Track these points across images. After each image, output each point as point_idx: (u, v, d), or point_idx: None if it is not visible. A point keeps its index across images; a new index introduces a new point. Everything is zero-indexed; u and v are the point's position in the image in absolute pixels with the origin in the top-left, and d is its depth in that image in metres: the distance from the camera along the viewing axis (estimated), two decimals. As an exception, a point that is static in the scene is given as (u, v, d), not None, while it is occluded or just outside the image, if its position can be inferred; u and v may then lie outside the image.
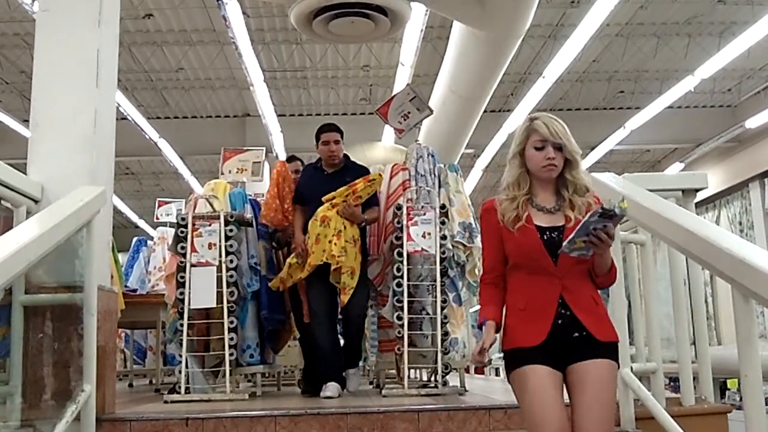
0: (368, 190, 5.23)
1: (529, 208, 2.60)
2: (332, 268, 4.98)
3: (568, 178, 2.62)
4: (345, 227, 5.07)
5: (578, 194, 2.61)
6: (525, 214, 2.57)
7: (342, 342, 5.45)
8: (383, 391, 5.05)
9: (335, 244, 4.98)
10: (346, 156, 5.51)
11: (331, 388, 4.94)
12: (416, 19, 8.51)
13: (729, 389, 9.67)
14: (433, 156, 5.72)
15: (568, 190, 2.62)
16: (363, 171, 5.40)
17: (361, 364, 6.09)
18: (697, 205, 3.88)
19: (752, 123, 13.28)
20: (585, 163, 15.92)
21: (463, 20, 7.94)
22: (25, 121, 10.97)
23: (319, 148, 5.40)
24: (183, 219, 5.18)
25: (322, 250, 5.00)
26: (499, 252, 2.63)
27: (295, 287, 5.41)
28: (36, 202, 3.66)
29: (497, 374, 9.56)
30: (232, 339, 4.97)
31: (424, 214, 5.15)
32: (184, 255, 5.06)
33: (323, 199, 5.12)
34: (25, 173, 3.78)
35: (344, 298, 5.02)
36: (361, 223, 5.26)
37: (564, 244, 2.44)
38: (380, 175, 5.44)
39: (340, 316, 5.43)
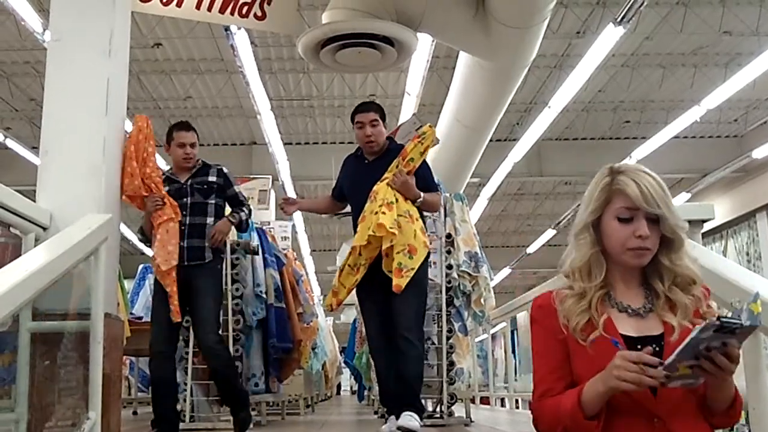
0: (419, 149, 4.31)
1: (608, 309, 1.79)
2: (384, 247, 3.99)
3: (665, 264, 1.81)
4: (397, 199, 4.14)
5: (679, 287, 1.81)
6: (602, 319, 1.76)
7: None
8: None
9: (384, 213, 4.03)
10: (389, 139, 4.55)
11: (404, 419, 3.91)
12: (422, 49, 8.56)
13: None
14: (438, 185, 5.73)
15: (664, 281, 1.82)
16: None
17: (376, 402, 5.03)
18: (704, 235, 3.90)
19: (759, 153, 13.28)
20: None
21: (469, 50, 8.00)
22: (34, 148, 11.06)
23: (355, 132, 4.48)
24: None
25: (367, 227, 4.05)
26: (560, 370, 1.79)
27: None
28: (44, 229, 3.68)
29: (503, 404, 9.49)
30: (237, 367, 4.95)
31: (430, 243, 5.14)
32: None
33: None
34: (33, 200, 3.81)
35: (399, 282, 3.93)
36: (417, 199, 4.24)
37: (663, 365, 1.60)
38: (431, 127, 4.45)
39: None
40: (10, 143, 12.76)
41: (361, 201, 4.22)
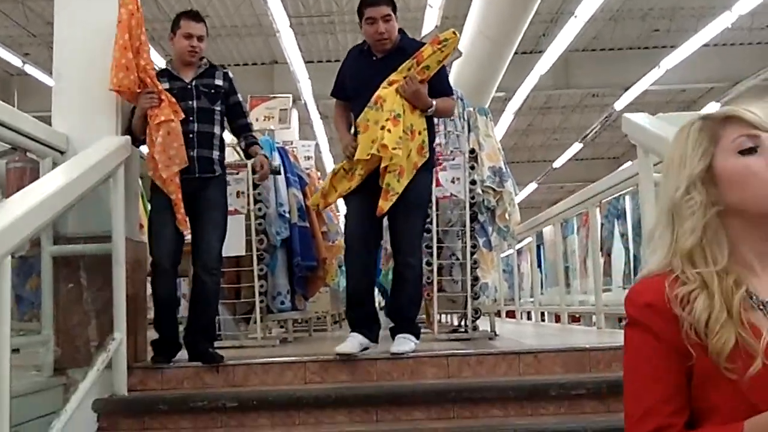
0: (438, 57, 3.86)
1: (750, 311, 1.23)
2: (382, 165, 3.75)
3: None
4: (404, 111, 3.79)
5: None
6: (765, 342, 1.18)
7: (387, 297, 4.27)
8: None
9: (389, 131, 3.72)
10: (401, 33, 4.02)
11: (350, 341, 3.73)
12: (443, -41, 8.31)
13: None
14: (461, 100, 5.61)
15: None
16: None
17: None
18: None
19: (792, 59, 12.90)
20: (618, 105, 15.62)
21: (492, -41, 7.74)
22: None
23: (364, 29, 3.97)
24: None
25: (371, 140, 3.75)
26: (679, 397, 1.24)
27: None
28: (62, 153, 3.66)
29: (529, 318, 9.56)
30: (262, 286, 5.00)
31: (453, 159, 5.07)
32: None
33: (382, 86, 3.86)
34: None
35: (383, 205, 3.73)
36: (428, 109, 3.89)
37: None
38: (455, 33, 3.94)
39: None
40: (30, 69, 12.71)
41: (365, 100, 3.84)
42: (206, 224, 3.87)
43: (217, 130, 4.00)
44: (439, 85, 3.97)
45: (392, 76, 3.82)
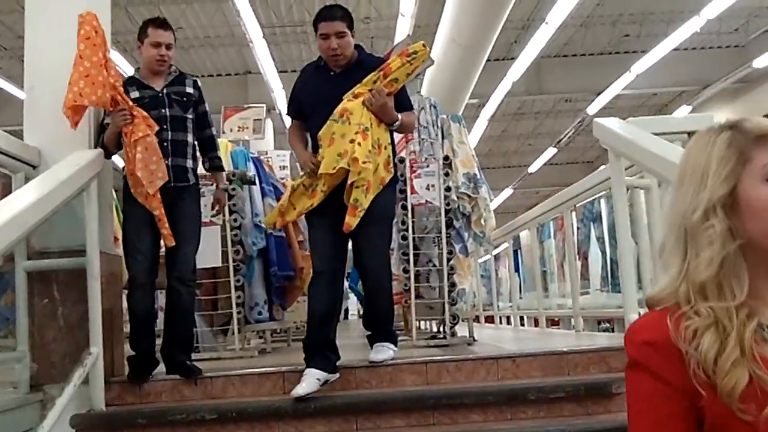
0: (407, 69, 3.78)
1: (762, 345, 1.11)
2: (349, 181, 3.60)
3: None
4: (372, 125, 3.67)
5: None
6: (761, 357, 1.08)
7: (363, 307, 4.17)
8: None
9: (359, 144, 3.58)
10: (358, 48, 3.92)
11: (307, 380, 3.44)
12: (415, -32, 8.36)
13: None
14: (435, 107, 5.65)
15: None
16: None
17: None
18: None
19: (760, 63, 13.10)
20: (591, 110, 15.73)
21: (463, -33, 7.80)
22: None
23: (318, 44, 3.86)
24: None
25: (338, 153, 3.58)
26: None
27: None
28: (34, 167, 3.63)
29: (508, 322, 9.60)
30: (239, 297, 4.98)
31: (428, 166, 5.10)
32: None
33: (344, 97, 3.72)
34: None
35: (350, 221, 3.58)
36: (394, 123, 3.79)
37: None
38: (424, 46, 3.88)
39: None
40: (1, 83, 12.60)
41: (324, 117, 3.68)
42: (182, 235, 3.81)
43: (190, 138, 3.96)
44: (402, 99, 3.89)
45: (357, 89, 3.71)
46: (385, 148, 3.74)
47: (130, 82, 3.88)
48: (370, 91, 3.68)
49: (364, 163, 3.55)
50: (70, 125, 3.61)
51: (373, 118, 3.68)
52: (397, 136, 5.20)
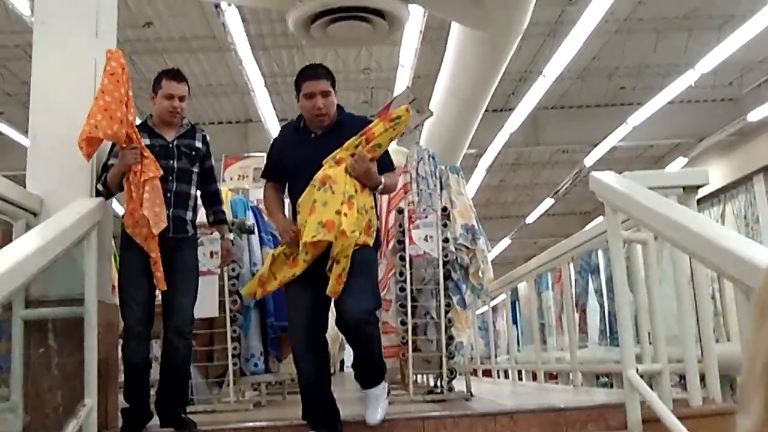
0: (390, 134, 3.70)
1: None
2: (334, 252, 3.46)
3: None
4: (356, 191, 3.58)
5: None
6: None
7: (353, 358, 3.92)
8: (388, 398, 5.02)
9: (345, 215, 3.47)
10: (339, 109, 3.85)
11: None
12: (415, 21, 8.49)
13: (739, 385, 9.61)
14: (433, 158, 5.70)
15: None
16: (369, 124, 3.80)
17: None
18: (702, 200, 3.86)
19: (755, 116, 13.21)
20: (588, 161, 15.78)
21: (461, 21, 7.91)
22: (28, 132, 10.98)
23: (301, 103, 3.77)
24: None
25: (318, 222, 3.46)
26: None
27: None
28: (35, 215, 3.66)
29: (506, 376, 9.52)
30: (235, 348, 4.96)
31: (426, 217, 5.12)
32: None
33: (323, 162, 3.63)
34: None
35: (336, 289, 3.45)
36: (377, 187, 3.72)
37: None
38: (407, 110, 3.81)
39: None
40: (4, 128, 12.70)
41: (306, 179, 3.60)
42: (179, 286, 3.81)
43: (193, 191, 3.99)
44: (382, 161, 3.78)
45: (339, 154, 3.62)
46: (367, 212, 3.63)
47: (141, 128, 3.92)
48: (352, 156, 3.60)
49: (352, 232, 3.45)
50: (83, 157, 3.67)
51: (357, 184, 3.60)
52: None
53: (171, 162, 3.90)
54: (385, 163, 3.80)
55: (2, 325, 3.66)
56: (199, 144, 4.03)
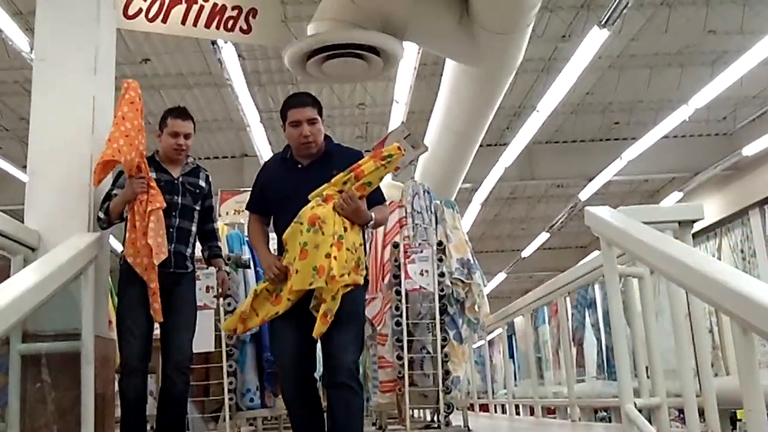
0: (381, 173, 3.55)
1: None
2: (321, 293, 3.32)
3: None
4: (346, 229, 3.42)
5: None
6: None
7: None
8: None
9: (335, 258, 3.32)
10: (327, 139, 3.73)
11: None
12: (409, 57, 8.58)
13: (739, 420, 9.56)
14: (428, 193, 5.73)
15: None
16: (358, 156, 3.64)
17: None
18: (698, 234, 3.89)
19: (749, 150, 13.32)
20: (583, 195, 15.79)
21: (456, 58, 7.99)
22: (25, 167, 11.02)
23: (287, 132, 3.64)
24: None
25: (312, 267, 3.30)
26: None
27: None
28: (33, 250, 3.66)
29: (503, 411, 9.47)
30: (231, 383, 4.94)
31: (422, 251, 5.14)
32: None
33: (309, 197, 3.47)
34: (23, 220, 3.80)
35: (321, 329, 3.29)
36: (368, 223, 3.58)
37: None
38: (399, 148, 3.59)
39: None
40: (2, 163, 12.74)
41: (292, 211, 3.44)
42: (179, 321, 3.82)
43: (194, 228, 4.05)
44: (374, 194, 3.61)
45: (326, 190, 3.47)
46: (356, 250, 3.46)
47: (149, 162, 3.94)
48: (340, 192, 3.46)
49: (341, 276, 3.31)
50: (93, 182, 3.82)
51: (347, 222, 3.44)
52: (390, 221, 5.24)
53: (175, 198, 3.94)
54: (376, 197, 3.65)
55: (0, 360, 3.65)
56: (202, 183, 4.10)
